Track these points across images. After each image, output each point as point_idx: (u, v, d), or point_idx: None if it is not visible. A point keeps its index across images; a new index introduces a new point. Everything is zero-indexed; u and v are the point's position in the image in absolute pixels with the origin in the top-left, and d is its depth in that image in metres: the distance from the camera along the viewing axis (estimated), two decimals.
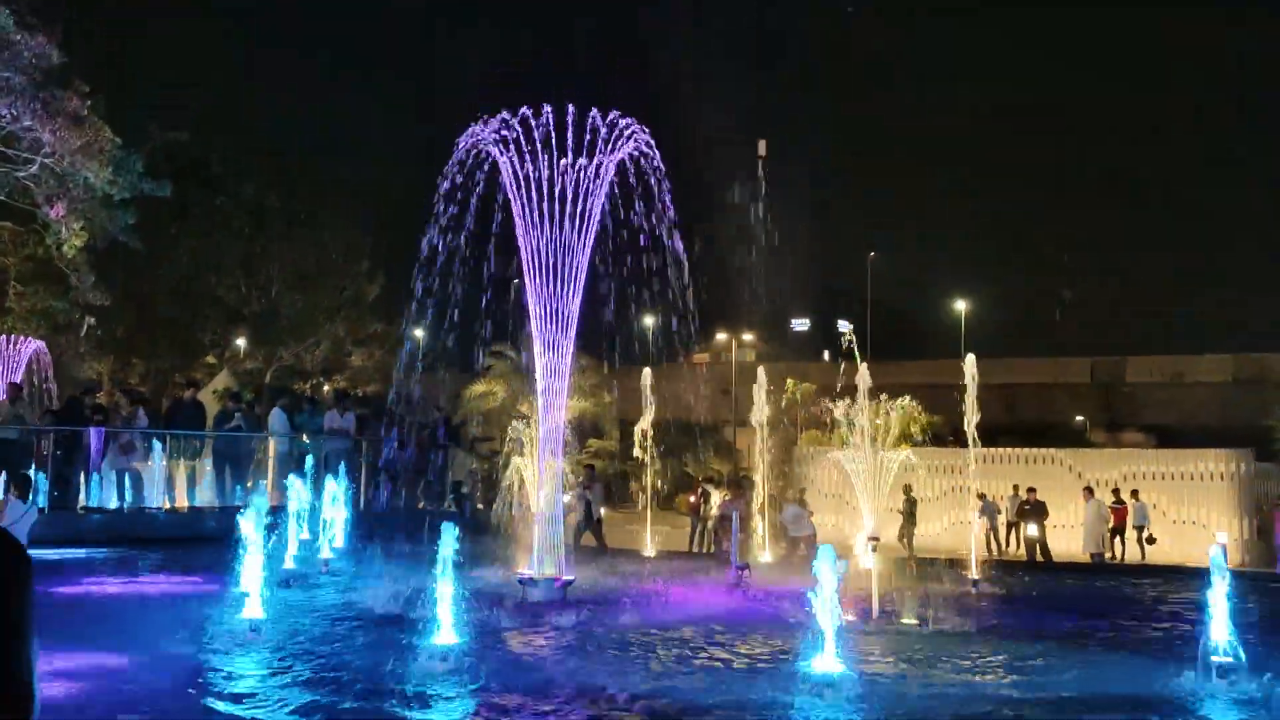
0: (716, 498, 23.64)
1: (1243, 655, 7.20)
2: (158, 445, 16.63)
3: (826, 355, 73.64)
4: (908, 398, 22.19)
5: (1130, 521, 25.90)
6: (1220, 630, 7.25)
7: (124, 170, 26.87)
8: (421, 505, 20.88)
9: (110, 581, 11.88)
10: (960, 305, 68.66)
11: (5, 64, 23.17)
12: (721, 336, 56.51)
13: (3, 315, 28.43)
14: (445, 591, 7.42)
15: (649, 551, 18.06)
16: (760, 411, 18.92)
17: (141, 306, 35.14)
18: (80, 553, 13.36)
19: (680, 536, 25.48)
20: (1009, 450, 34.08)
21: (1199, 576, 7.77)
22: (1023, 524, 24.64)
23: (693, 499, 24.48)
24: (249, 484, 17.60)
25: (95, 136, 25.52)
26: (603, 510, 24.13)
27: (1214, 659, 7.20)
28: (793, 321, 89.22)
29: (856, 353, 16.03)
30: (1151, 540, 25.74)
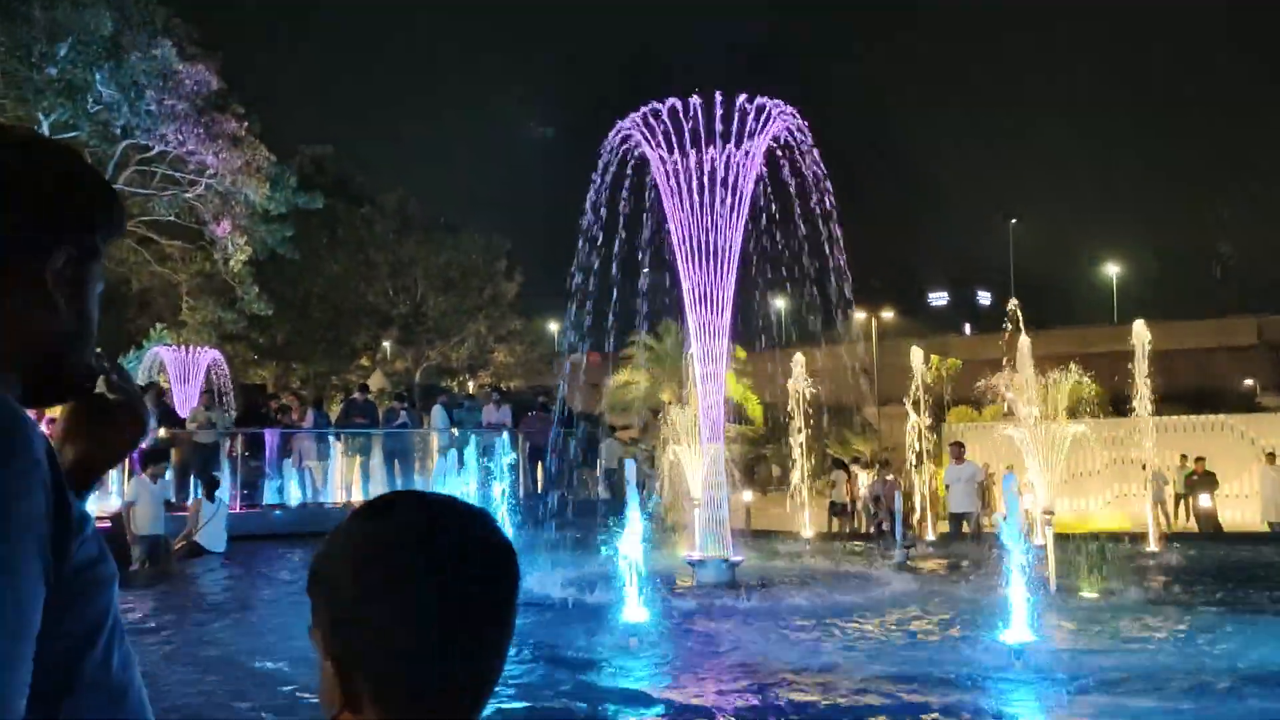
0: (864, 478, 23.43)
1: None
2: (334, 443, 17.59)
3: (968, 328, 71.56)
4: (1075, 369, 21.48)
5: None
6: None
7: (280, 186, 28.39)
8: (578, 494, 21.43)
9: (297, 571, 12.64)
10: (1110, 269, 65.62)
11: (170, 93, 24.78)
12: (860, 315, 55.59)
13: (178, 328, 30.39)
14: (628, 574, 7.67)
15: (805, 534, 18.05)
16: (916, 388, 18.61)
17: (299, 314, 37.07)
18: (268, 545, 14.29)
19: (822, 519, 25.31)
20: (1174, 418, 32.49)
21: None
22: (1193, 495, 23.52)
23: (833, 479, 24.30)
24: (416, 477, 18.45)
25: (253, 156, 27.04)
26: (749, 494, 24.21)
27: None
28: (929, 294, 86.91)
29: (1020, 322, 15.59)
30: None
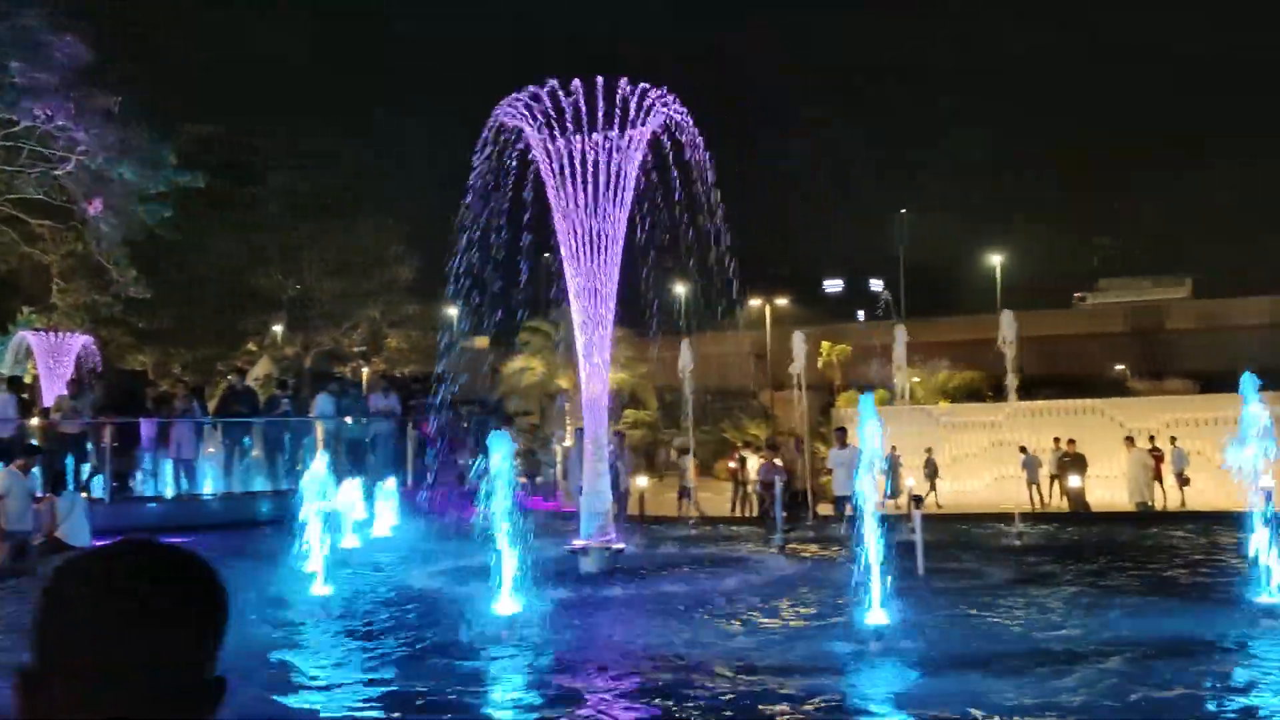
0: (754, 462, 23.84)
1: None
2: (212, 433, 17.04)
3: (861, 315, 73.20)
4: (945, 362, 22.18)
5: (1169, 468, 25.77)
6: (1262, 573, 7.33)
7: (158, 164, 27.30)
8: (468, 482, 21.25)
9: None
10: (995, 260, 67.93)
11: (38, 65, 23.56)
12: (755, 302, 56.39)
13: (47, 311, 29.02)
14: (504, 564, 7.65)
15: (697, 517, 18.26)
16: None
17: (182, 298, 35.74)
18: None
19: (722, 502, 25.71)
20: (1049, 403, 33.88)
21: (1242, 521, 7.83)
22: (1064, 476, 24.61)
23: (731, 464, 24.66)
24: (298, 468, 18.02)
25: (128, 132, 25.93)
26: (644, 480, 24.40)
27: (1258, 599, 7.30)
28: (825, 283, 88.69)
29: (894, 310, 15.95)
30: (1186, 482, 25.70)
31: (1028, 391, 42.63)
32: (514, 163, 11.65)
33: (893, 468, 26.14)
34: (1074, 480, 23.88)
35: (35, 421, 17.54)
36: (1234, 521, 10.06)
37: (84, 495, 13.81)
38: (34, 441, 14.53)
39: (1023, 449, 27.84)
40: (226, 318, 37.54)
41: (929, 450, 29.40)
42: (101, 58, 25.20)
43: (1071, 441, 25.21)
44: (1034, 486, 27.33)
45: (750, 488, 23.66)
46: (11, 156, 25.41)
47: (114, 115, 25.62)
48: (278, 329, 40.89)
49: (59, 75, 23.87)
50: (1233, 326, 48.54)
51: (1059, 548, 13.01)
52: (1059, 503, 25.67)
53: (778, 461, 19.01)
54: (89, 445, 16.09)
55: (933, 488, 28.81)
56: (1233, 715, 5.36)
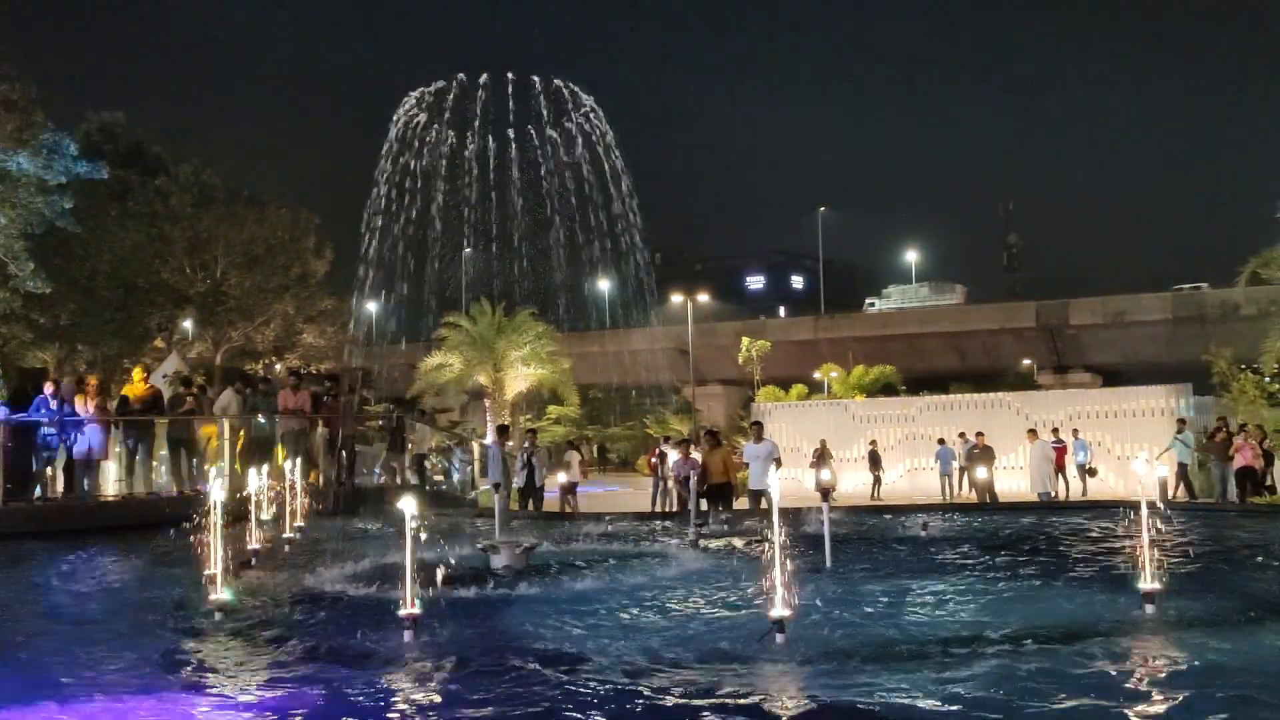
0: (674, 456, 24.00)
1: (1165, 582, 7.65)
2: (113, 432, 16.51)
3: (782, 311, 74.03)
4: (859, 365, 22.67)
5: (1071, 459, 26.68)
6: (1149, 559, 7.63)
7: (58, 154, 26.32)
8: (383, 480, 20.96)
9: (71, 569, 11.89)
10: (910, 257, 69.44)
11: None
12: (677, 299, 56.70)
13: None
14: (409, 564, 7.56)
15: (612, 514, 18.31)
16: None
17: (85, 292, 34.48)
18: (39, 544, 13.31)
19: (644, 498, 25.82)
20: (958, 396, 34.72)
21: (1138, 509, 8.14)
22: (972, 468, 25.30)
23: (652, 460, 24.78)
24: (204, 468, 17.55)
25: (27, 121, 24.96)
26: (564, 477, 24.36)
27: (1141, 586, 7.61)
28: (746, 278, 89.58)
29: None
30: (1092, 472, 26.62)
31: (942, 385, 43.63)
32: (425, 156, 11.51)
33: (821, 459, 26.58)
34: (981, 472, 24.54)
35: None
36: (1128, 510, 10.45)
37: None
38: None
39: (941, 441, 28.47)
40: (131, 313, 36.34)
41: (873, 443, 29.85)
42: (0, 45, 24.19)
43: (980, 434, 25.92)
44: (946, 478, 28.08)
45: (670, 483, 23.81)
46: None
47: (11, 103, 24.64)
48: (187, 324, 39.76)
49: None
50: (1133, 322, 50.33)
51: (965, 539, 13.36)
52: (968, 494, 26.39)
53: (696, 457, 19.17)
54: None
55: (877, 480, 29.25)
56: (1109, 694, 5.57)
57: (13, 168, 25.22)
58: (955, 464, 27.88)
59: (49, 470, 16.46)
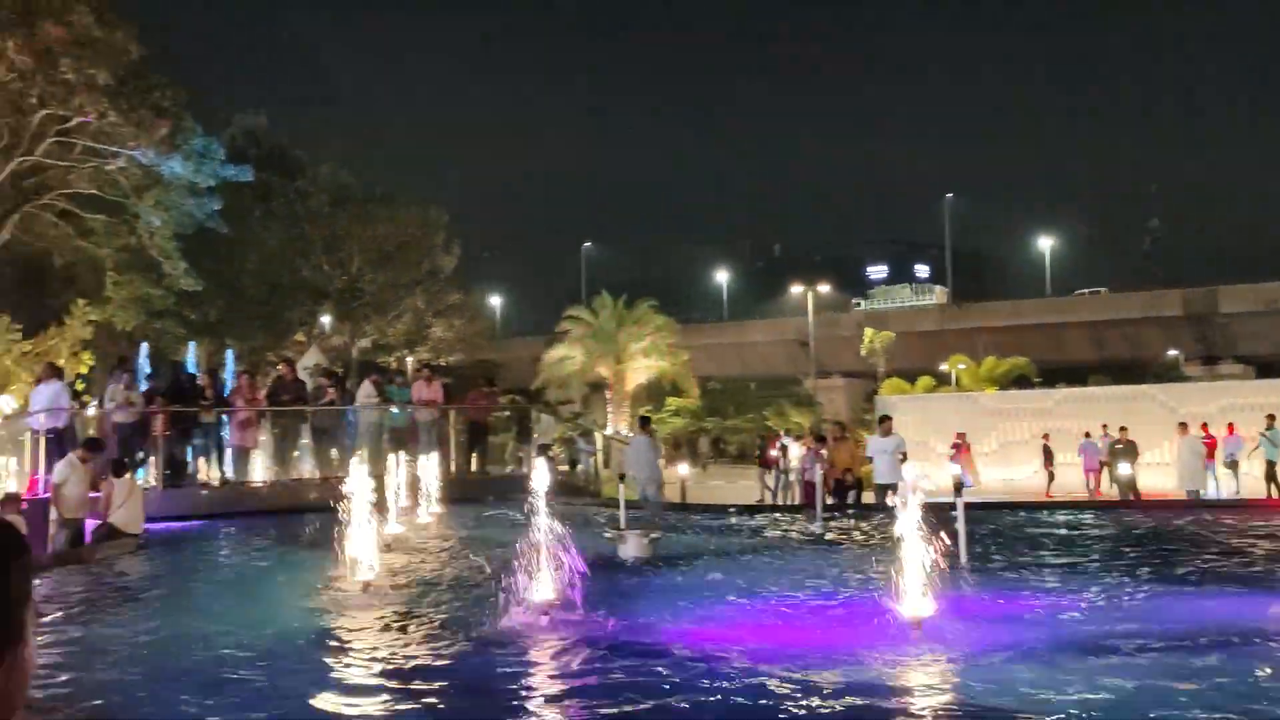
0: (796, 450, 23.74)
1: None
2: (262, 421, 17.35)
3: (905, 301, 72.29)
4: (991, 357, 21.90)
5: (1220, 456, 25.19)
6: None
7: (207, 158, 27.75)
8: (510, 469, 21.41)
9: (225, 552, 12.57)
10: (1044, 243, 66.82)
11: (89, 62, 24.02)
12: (796, 290, 56.05)
13: (102, 304, 29.63)
14: (542, 550, 7.70)
15: (733, 506, 18.25)
16: None
17: (232, 289, 36.36)
18: (195, 525, 14.12)
19: (759, 489, 25.67)
20: (1099, 389, 33.30)
21: None
22: (1114, 463, 24.18)
23: (771, 452, 24.55)
24: (345, 456, 18.29)
25: (178, 127, 26.37)
26: (685, 468, 24.41)
27: None
28: (868, 269, 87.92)
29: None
30: (1233, 466, 25.18)
31: (1079, 377, 41.88)
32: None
33: (958, 452, 25.81)
34: (1124, 468, 23.46)
35: (90, 411, 18.01)
36: None
37: (136, 483, 14.14)
38: (95, 436, 14.96)
39: (1086, 434, 27.12)
40: (274, 308, 38.13)
41: (1046, 436, 28.33)
42: (152, 54, 25.67)
43: (1123, 428, 24.77)
44: (1091, 474, 26.79)
45: (792, 476, 23.59)
46: (65, 152, 25.96)
47: (164, 110, 26.07)
48: (325, 319, 41.45)
49: (109, 71, 24.31)
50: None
51: (1107, 536, 12.81)
52: (1109, 490, 25.25)
53: (823, 451, 18.87)
54: (142, 434, 16.46)
55: (1051, 476, 27.70)
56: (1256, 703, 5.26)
57: (166, 172, 26.71)
58: (1099, 459, 26.61)
59: (202, 457, 17.40)
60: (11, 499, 12.41)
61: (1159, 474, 25.80)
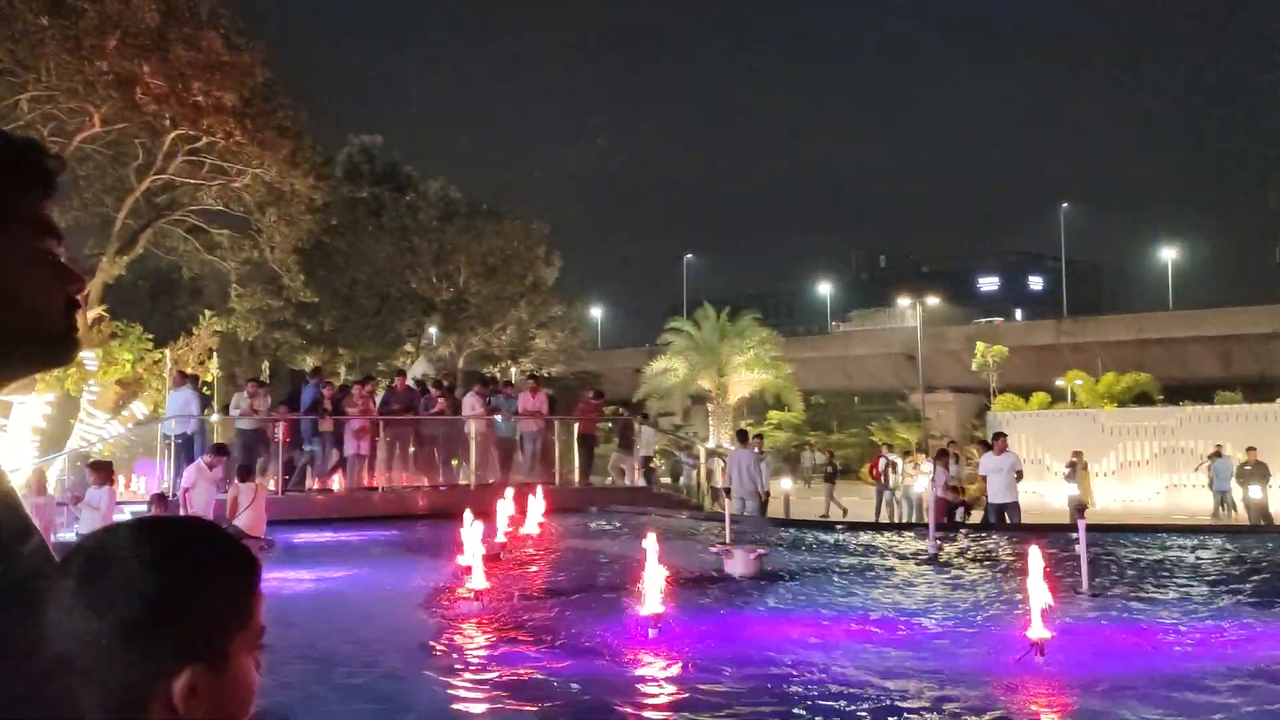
0: (903, 466, 23.20)
1: None
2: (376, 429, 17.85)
3: (1019, 314, 70.32)
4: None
5: None
6: None
7: (325, 175, 28.77)
8: (611, 480, 21.52)
9: (336, 562, 12.94)
10: (1167, 254, 64.03)
11: (217, 84, 25.16)
12: (903, 302, 54.94)
13: (226, 315, 30.94)
14: (651, 565, 7.70)
15: (841, 522, 17.94)
16: None
17: (345, 301, 37.57)
18: (313, 535, 14.58)
19: (866, 506, 25.18)
20: (1226, 407, 31.73)
21: None
22: (1244, 486, 22.95)
23: (876, 469, 24.00)
24: (453, 464, 18.67)
25: (299, 145, 27.40)
26: (788, 483, 24.13)
27: None
28: (978, 280, 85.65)
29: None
30: None
31: (1204, 394, 39.95)
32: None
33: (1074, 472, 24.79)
34: (1255, 491, 22.26)
35: (215, 418, 18.81)
36: None
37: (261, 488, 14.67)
38: (221, 442, 15.61)
39: (1216, 453, 25.58)
40: (384, 319, 39.25)
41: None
42: (277, 75, 26.74)
43: (1252, 449, 23.53)
44: (1222, 495, 25.28)
45: (899, 493, 23.08)
46: (194, 170, 27.25)
47: (286, 130, 27.11)
48: (433, 330, 42.46)
49: (236, 93, 25.41)
50: None
51: (1239, 564, 12.14)
52: (1241, 514, 23.97)
53: (950, 470, 18.32)
54: (265, 441, 17.11)
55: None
56: None
57: (286, 188, 27.77)
58: (1231, 480, 25.08)
59: (315, 463, 17.97)
60: (159, 498, 13.06)
61: None
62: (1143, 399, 34.89)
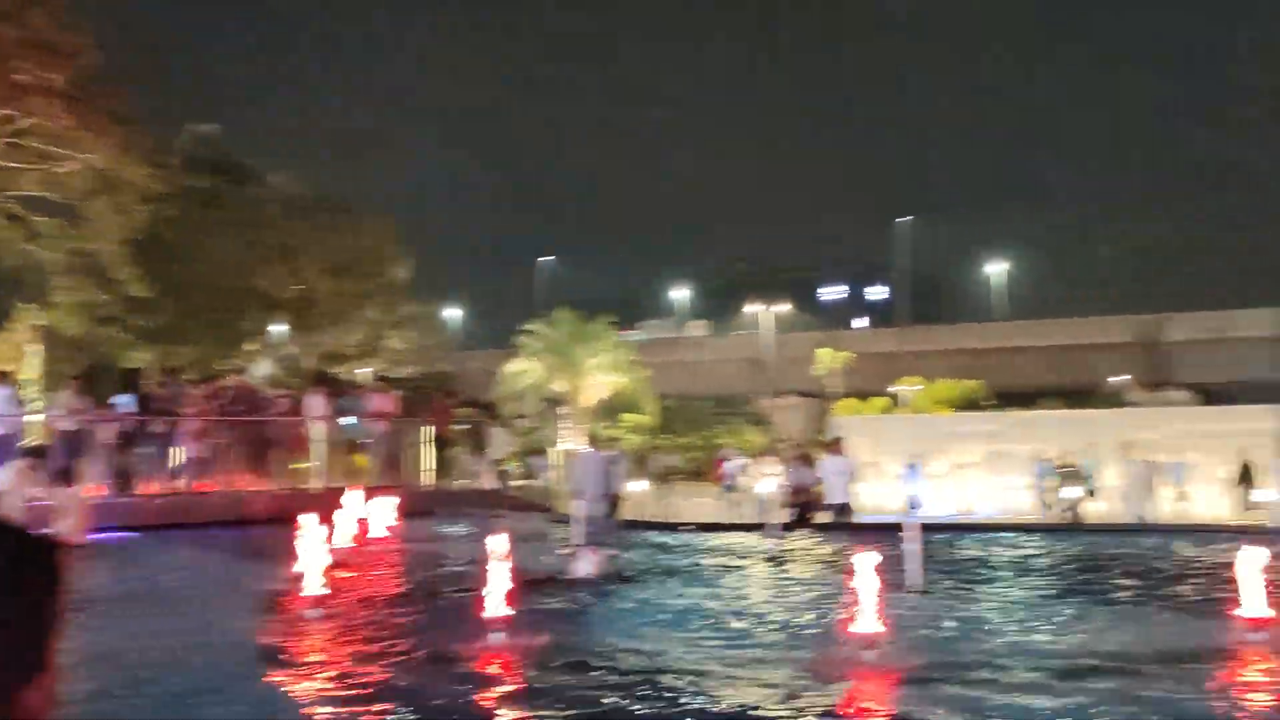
0: (748, 467, 23.86)
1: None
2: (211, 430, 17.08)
3: (865, 322, 73.12)
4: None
5: (1159, 481, 25.54)
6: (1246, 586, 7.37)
7: (160, 164, 27.38)
8: (464, 483, 21.29)
9: (169, 562, 12.32)
10: (997, 268, 67.93)
11: (45, 66, 23.62)
12: (750, 309, 56.42)
13: (49, 309, 29.05)
14: (495, 567, 7.65)
15: (689, 524, 18.26)
16: None
17: (181, 297, 35.75)
18: (139, 535, 13.83)
19: (712, 507, 25.71)
20: (1048, 413, 33.87)
21: (1241, 534, 7.85)
22: (1060, 487, 24.58)
23: (719, 470, 24.61)
24: (297, 467, 18.06)
25: (132, 132, 26.00)
26: (641, 484, 24.41)
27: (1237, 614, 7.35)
28: (820, 289, 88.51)
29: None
30: (1182, 498, 25.61)
31: (1031, 401, 42.56)
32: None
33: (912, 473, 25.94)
34: (1070, 491, 23.87)
35: (34, 418, 17.61)
36: (1231, 535, 10.06)
37: (83, 491, 13.85)
38: (40, 443, 14.66)
39: (1045, 458, 27.30)
40: (225, 316, 37.57)
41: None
42: (108, 58, 25.28)
43: (1070, 453, 25.20)
44: (1042, 496, 27.00)
45: (736, 495, 23.76)
46: (16, 154, 25.47)
47: (119, 115, 25.69)
48: (279, 328, 40.97)
49: (65, 75, 23.92)
50: (1234, 339, 48.56)
51: (1057, 559, 13.00)
52: (1060, 514, 25.61)
53: (806, 468, 18.84)
54: (87, 442, 16.14)
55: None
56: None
57: (118, 177, 26.30)
58: (1046, 482, 26.89)
59: (148, 466, 17.08)
60: None
61: (1105, 498, 26.25)
62: (974, 405, 36.92)
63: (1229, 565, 7.90)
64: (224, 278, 37.42)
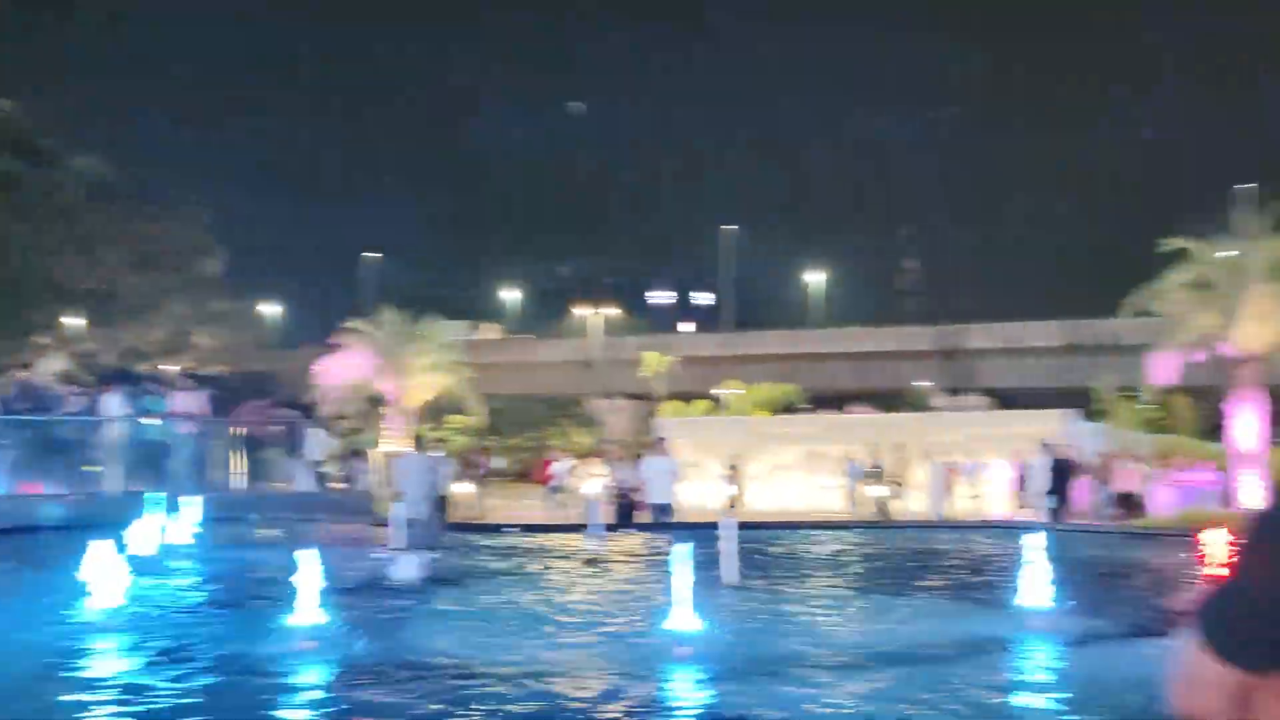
0: (563, 466, 23.99)
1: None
2: None
3: (694, 326, 74.65)
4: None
5: (956, 481, 27.31)
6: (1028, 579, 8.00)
7: None
8: (279, 486, 20.45)
9: None
10: (817, 277, 70.87)
11: None
12: (579, 312, 56.73)
13: None
14: (308, 572, 7.41)
15: (513, 525, 18.20)
16: None
17: None
18: None
19: (539, 508, 25.73)
20: (858, 416, 35.58)
21: (1027, 530, 8.52)
22: (870, 486, 25.90)
23: (547, 471, 24.72)
24: (91, 469, 16.86)
25: None
26: (466, 487, 24.13)
27: (1020, 603, 7.97)
28: (648, 294, 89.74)
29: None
30: (975, 497, 27.49)
31: (842, 405, 44.57)
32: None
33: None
34: (878, 490, 25.17)
35: None
36: (1017, 531, 10.84)
37: None
38: None
39: (851, 459, 28.64)
40: (12, 307, 34.69)
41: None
42: None
43: (877, 453, 26.58)
44: (850, 495, 28.39)
45: (563, 496, 23.91)
46: None
47: None
48: (74, 322, 38.19)
49: None
50: (1026, 349, 52.44)
51: (865, 555, 13.69)
52: (870, 512, 26.94)
53: (630, 469, 19.02)
54: None
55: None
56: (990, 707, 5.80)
57: None
58: (859, 481, 28.26)
59: None
60: None
61: (909, 497, 27.81)
62: (791, 408, 38.35)
63: (1012, 557, 8.55)
64: (12, 266, 34.54)
